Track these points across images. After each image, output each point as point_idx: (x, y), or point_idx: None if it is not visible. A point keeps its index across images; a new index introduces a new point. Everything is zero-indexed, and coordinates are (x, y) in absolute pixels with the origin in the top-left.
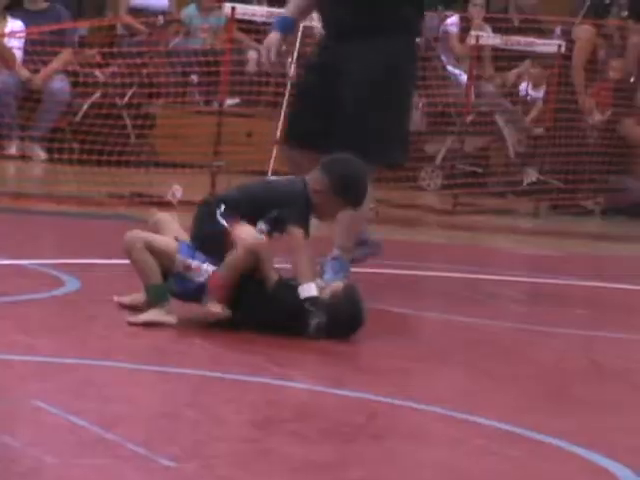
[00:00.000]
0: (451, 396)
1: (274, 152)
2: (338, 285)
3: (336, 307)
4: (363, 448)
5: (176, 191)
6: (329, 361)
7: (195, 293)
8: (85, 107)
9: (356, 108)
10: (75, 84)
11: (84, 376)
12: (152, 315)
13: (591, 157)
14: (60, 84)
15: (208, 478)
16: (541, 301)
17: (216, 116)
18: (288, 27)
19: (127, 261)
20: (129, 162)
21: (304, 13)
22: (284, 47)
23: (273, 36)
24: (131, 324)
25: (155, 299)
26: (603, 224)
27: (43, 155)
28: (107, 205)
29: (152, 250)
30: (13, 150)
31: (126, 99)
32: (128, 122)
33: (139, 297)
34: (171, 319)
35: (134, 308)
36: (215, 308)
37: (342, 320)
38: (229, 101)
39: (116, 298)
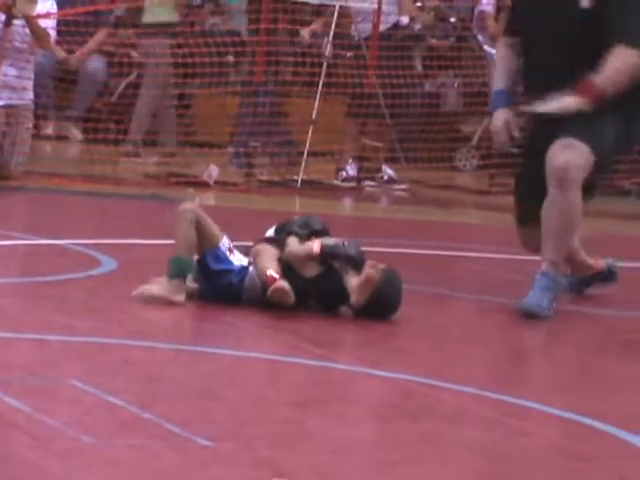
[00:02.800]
0: (487, 377)
1: (310, 132)
2: (374, 265)
3: (376, 290)
4: (401, 429)
5: (212, 171)
6: (367, 342)
7: (225, 274)
8: (121, 87)
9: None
10: (111, 64)
11: (122, 356)
12: (161, 290)
13: None
14: (96, 64)
15: (247, 458)
16: None
17: (252, 96)
18: (509, 99)
19: (163, 241)
20: (165, 142)
21: (513, 78)
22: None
23: (502, 113)
24: (137, 298)
25: (174, 272)
26: (638, 205)
27: (79, 135)
28: (143, 185)
29: (199, 228)
30: (50, 130)
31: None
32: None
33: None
34: (179, 298)
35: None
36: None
37: (381, 302)
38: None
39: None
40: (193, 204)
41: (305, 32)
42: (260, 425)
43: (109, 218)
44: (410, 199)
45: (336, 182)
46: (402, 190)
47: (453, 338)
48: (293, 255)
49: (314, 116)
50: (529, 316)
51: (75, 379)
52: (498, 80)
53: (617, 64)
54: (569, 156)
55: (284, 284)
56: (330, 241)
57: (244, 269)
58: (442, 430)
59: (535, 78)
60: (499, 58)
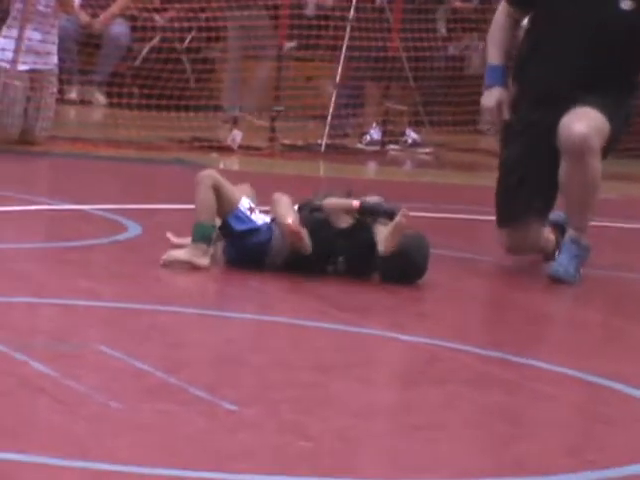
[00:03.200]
0: (511, 341)
1: (333, 96)
2: (406, 213)
3: (404, 255)
4: (425, 393)
5: (236, 136)
6: (392, 306)
7: (251, 234)
8: (145, 52)
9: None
10: (134, 29)
11: (147, 321)
12: (186, 254)
13: None
14: (119, 28)
15: (272, 423)
16: (603, 245)
17: (275, 60)
18: (505, 76)
19: (188, 206)
20: (189, 107)
21: (509, 53)
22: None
23: (497, 92)
24: (163, 263)
25: (198, 237)
26: None
27: (103, 100)
28: (167, 150)
29: (218, 193)
30: (73, 95)
31: (186, 43)
32: (187, 66)
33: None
34: (204, 261)
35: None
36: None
37: (408, 266)
38: (287, 45)
39: (169, 234)
40: (211, 170)
41: None
42: (285, 389)
43: (134, 183)
44: (434, 162)
45: (360, 146)
46: (426, 154)
47: (478, 302)
48: (332, 205)
49: (338, 80)
50: (556, 281)
51: (101, 344)
52: (494, 53)
53: None
54: (587, 124)
55: (301, 230)
56: (370, 199)
57: (269, 228)
58: (466, 394)
59: (550, 74)
60: (498, 28)
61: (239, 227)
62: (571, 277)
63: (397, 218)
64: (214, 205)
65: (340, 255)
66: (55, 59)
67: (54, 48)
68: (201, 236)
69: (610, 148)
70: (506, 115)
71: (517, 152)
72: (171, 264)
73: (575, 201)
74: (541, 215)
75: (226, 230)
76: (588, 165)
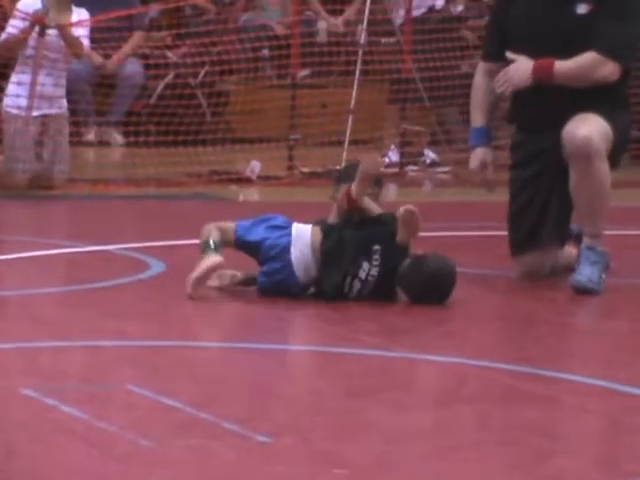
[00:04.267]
0: (541, 355)
1: (349, 122)
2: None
3: (431, 274)
4: (457, 413)
5: (255, 167)
6: (417, 328)
7: (268, 239)
8: (159, 89)
9: None
10: (147, 66)
11: (175, 358)
12: (199, 268)
13: None
14: (133, 67)
15: (305, 452)
16: (628, 254)
17: (289, 89)
18: (489, 137)
19: None
20: (206, 141)
21: (491, 114)
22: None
23: (481, 152)
24: (190, 294)
25: (201, 248)
26: None
27: (120, 139)
28: (186, 185)
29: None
30: (91, 136)
31: (199, 78)
32: (203, 101)
33: (227, 277)
34: (216, 258)
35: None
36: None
37: (435, 286)
38: (301, 73)
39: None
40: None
41: (339, 21)
42: (317, 417)
43: (155, 220)
44: (453, 181)
45: None
46: (445, 172)
47: (503, 319)
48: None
49: (352, 105)
50: (581, 292)
51: (130, 383)
52: (476, 116)
53: (582, 62)
54: (589, 127)
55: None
56: None
57: (283, 234)
58: (499, 411)
59: (535, 103)
60: (477, 89)
61: (250, 237)
62: (595, 285)
63: (400, 209)
64: (214, 230)
65: (378, 243)
66: (65, 103)
67: (64, 92)
68: (204, 246)
69: (617, 157)
70: (491, 175)
71: (524, 176)
72: (194, 289)
73: (585, 207)
74: (554, 238)
75: (243, 248)
76: (594, 168)
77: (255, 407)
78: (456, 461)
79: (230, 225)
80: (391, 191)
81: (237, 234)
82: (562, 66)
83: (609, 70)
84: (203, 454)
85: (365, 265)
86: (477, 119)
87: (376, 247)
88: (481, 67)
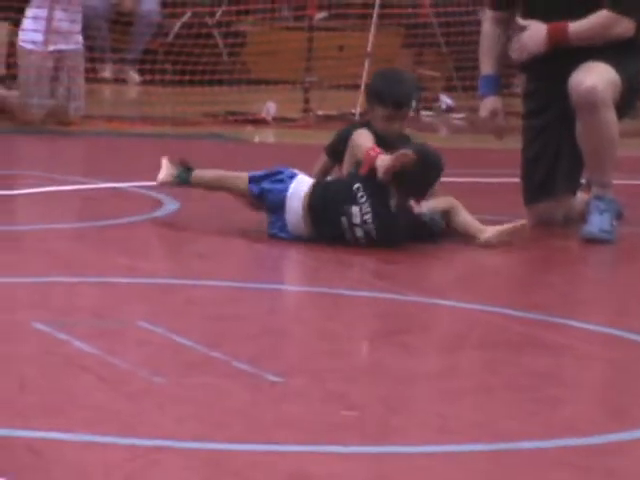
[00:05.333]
0: (553, 302)
1: (366, 65)
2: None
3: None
4: (469, 358)
5: (270, 108)
6: (430, 272)
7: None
8: (176, 28)
9: None
10: (164, 5)
11: (187, 296)
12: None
13: None
14: (150, 5)
15: (316, 393)
16: None
17: (306, 31)
18: (498, 85)
19: None
20: (222, 81)
21: (501, 62)
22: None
23: (491, 101)
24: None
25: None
26: None
27: (137, 77)
28: (202, 125)
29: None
30: (107, 73)
31: (216, 18)
32: (219, 41)
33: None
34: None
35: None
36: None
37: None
38: (318, 15)
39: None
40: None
41: None
42: (328, 359)
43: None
44: (468, 127)
45: None
46: (460, 119)
47: (516, 265)
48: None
49: (369, 48)
50: (593, 242)
51: (141, 320)
52: (486, 63)
53: (596, 22)
54: (595, 76)
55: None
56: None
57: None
58: (510, 357)
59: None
60: (486, 38)
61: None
62: (607, 234)
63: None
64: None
65: (356, 181)
66: (80, 39)
67: (80, 28)
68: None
69: (628, 105)
70: (502, 122)
71: (536, 125)
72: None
73: (593, 156)
74: (567, 187)
75: (256, 196)
76: (601, 117)
77: (267, 347)
78: (467, 405)
79: (243, 175)
80: None
81: (248, 185)
82: (577, 28)
83: (624, 27)
84: (214, 393)
85: (354, 209)
86: (486, 67)
87: (356, 185)
88: (489, 15)
